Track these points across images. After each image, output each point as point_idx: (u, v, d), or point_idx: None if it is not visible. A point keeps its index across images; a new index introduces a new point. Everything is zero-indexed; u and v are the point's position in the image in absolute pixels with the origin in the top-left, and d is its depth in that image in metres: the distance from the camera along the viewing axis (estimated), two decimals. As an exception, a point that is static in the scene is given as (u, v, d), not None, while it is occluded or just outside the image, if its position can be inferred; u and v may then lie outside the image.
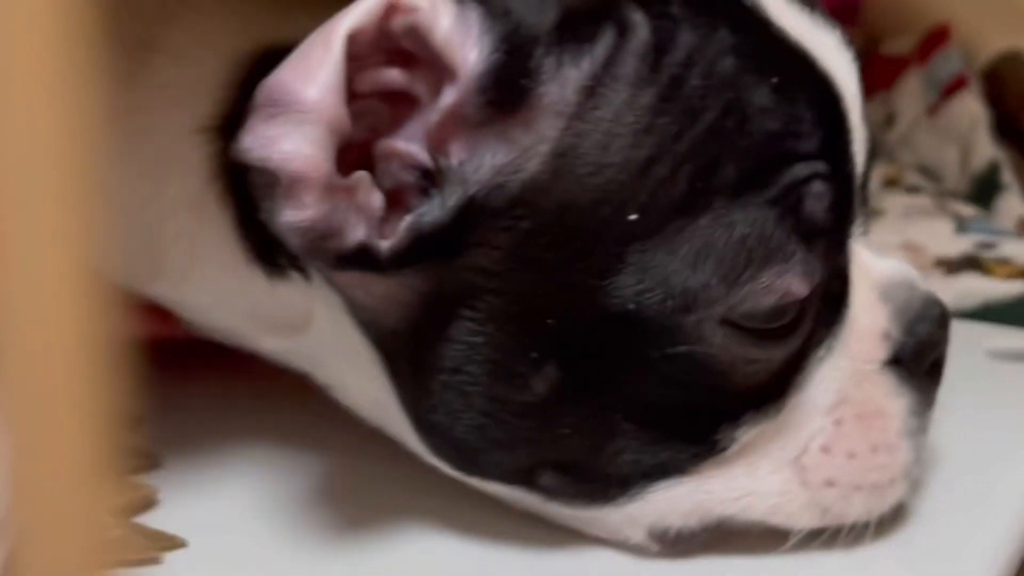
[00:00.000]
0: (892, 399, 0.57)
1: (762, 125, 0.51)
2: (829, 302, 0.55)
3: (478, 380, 0.52)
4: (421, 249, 0.50)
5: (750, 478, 0.55)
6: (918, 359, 0.57)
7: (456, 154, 0.49)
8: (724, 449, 0.54)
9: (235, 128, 0.47)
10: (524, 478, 0.55)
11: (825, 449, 0.56)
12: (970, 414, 0.71)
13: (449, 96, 0.48)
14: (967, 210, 1.17)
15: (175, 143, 0.57)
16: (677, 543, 0.56)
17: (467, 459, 0.55)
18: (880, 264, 0.59)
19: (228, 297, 0.60)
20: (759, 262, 0.50)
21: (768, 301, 0.51)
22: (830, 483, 0.55)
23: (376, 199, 0.49)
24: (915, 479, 0.58)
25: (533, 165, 0.50)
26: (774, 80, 0.51)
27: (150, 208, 0.58)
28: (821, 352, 0.55)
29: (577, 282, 0.50)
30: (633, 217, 0.50)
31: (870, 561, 0.57)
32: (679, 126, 0.50)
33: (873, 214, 1.14)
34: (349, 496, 0.62)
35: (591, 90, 0.50)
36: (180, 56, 0.58)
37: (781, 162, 0.51)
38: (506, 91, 0.49)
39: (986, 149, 1.23)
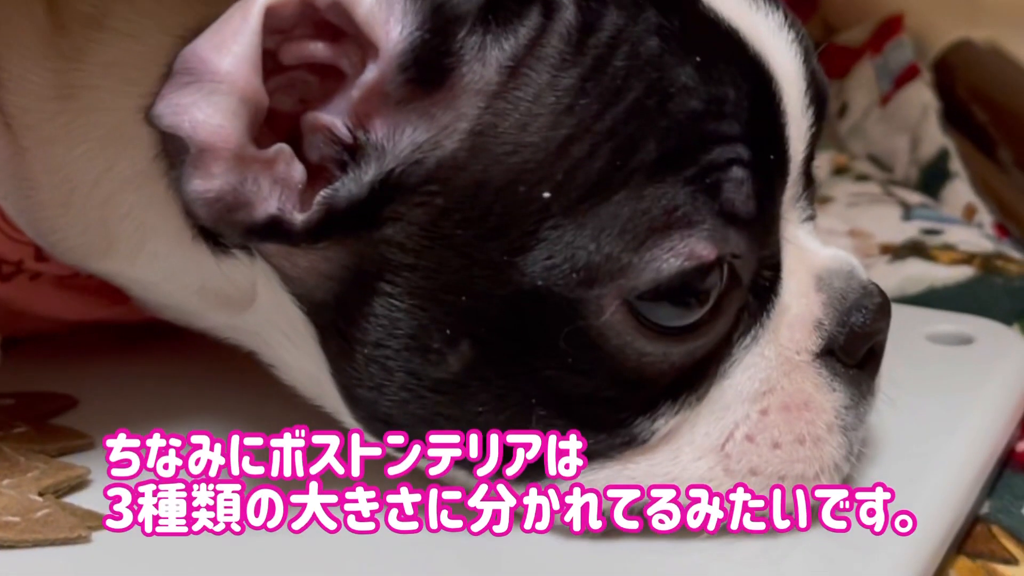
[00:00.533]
0: (823, 392, 0.56)
1: (683, 105, 0.50)
2: (757, 290, 0.55)
3: (398, 355, 0.52)
4: (336, 223, 0.50)
5: (673, 464, 0.55)
6: (851, 350, 0.57)
7: (377, 130, 0.49)
8: (644, 441, 0.54)
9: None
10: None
11: (749, 438, 0.55)
12: (908, 398, 0.71)
13: (370, 73, 0.48)
14: (914, 197, 1.18)
15: (124, 120, 0.56)
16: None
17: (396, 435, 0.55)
18: (821, 252, 0.58)
19: (177, 273, 0.60)
20: (662, 229, 0.50)
21: (671, 266, 0.50)
22: (754, 471, 0.55)
23: (297, 171, 0.49)
24: (846, 474, 0.57)
25: (451, 143, 0.50)
26: (697, 60, 0.50)
27: (101, 185, 0.58)
28: (747, 340, 0.55)
29: (490, 259, 0.50)
30: (547, 195, 0.49)
31: (800, 539, 0.57)
32: (600, 106, 0.50)
33: (821, 201, 1.14)
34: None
35: (513, 70, 0.50)
36: (127, 33, 0.57)
37: (701, 143, 0.50)
38: (427, 69, 0.49)
39: (936, 137, 1.24)
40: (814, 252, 0.58)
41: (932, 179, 1.22)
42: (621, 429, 0.53)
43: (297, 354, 0.58)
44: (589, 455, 0.54)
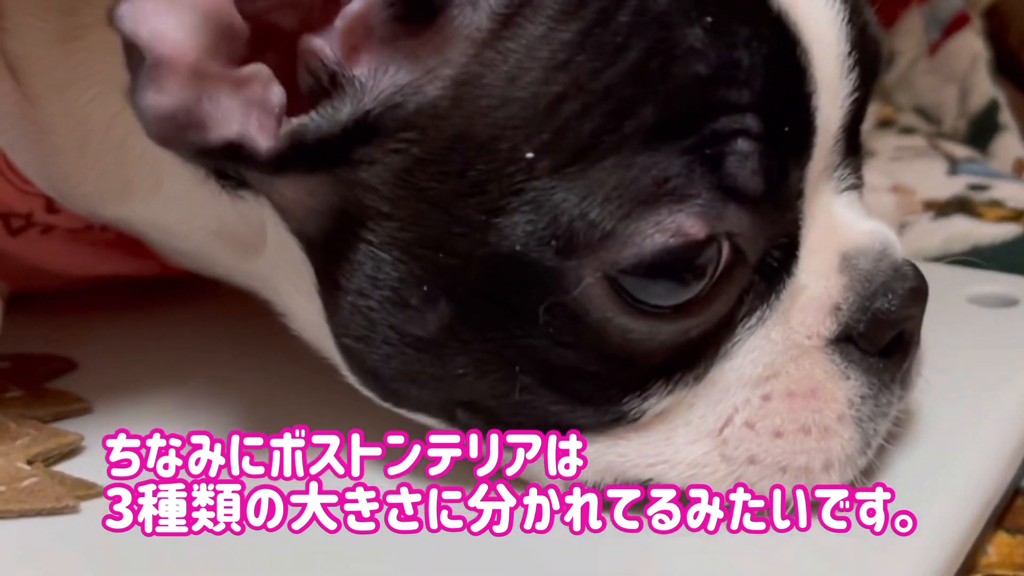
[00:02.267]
0: (834, 379, 0.52)
1: (688, 69, 0.47)
2: (766, 270, 0.51)
3: (380, 307, 0.50)
4: (304, 157, 0.48)
5: (667, 444, 0.52)
6: (872, 337, 0.53)
7: (361, 65, 0.47)
8: (635, 419, 0.51)
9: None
10: (442, 413, 0.53)
11: (749, 424, 0.52)
12: (948, 362, 0.68)
13: (356, 3, 0.46)
14: (961, 151, 1.14)
15: None
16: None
17: (385, 389, 0.53)
18: (856, 227, 0.54)
19: (192, 214, 0.58)
20: (650, 202, 0.46)
21: (655, 242, 0.47)
22: (752, 460, 0.52)
23: (276, 95, 0.47)
24: (861, 468, 0.53)
25: (433, 89, 0.47)
26: (708, 20, 0.47)
27: (115, 127, 0.57)
28: (752, 321, 0.52)
29: (468, 217, 0.48)
30: (531, 155, 0.47)
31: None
32: (597, 64, 0.46)
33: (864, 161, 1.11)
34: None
35: (507, 19, 0.47)
36: None
37: (704, 111, 0.47)
38: (414, 7, 0.46)
39: (985, 88, 1.20)
40: (847, 227, 0.54)
41: (981, 132, 1.18)
42: (610, 405, 0.51)
43: (302, 301, 0.56)
44: (579, 428, 0.51)
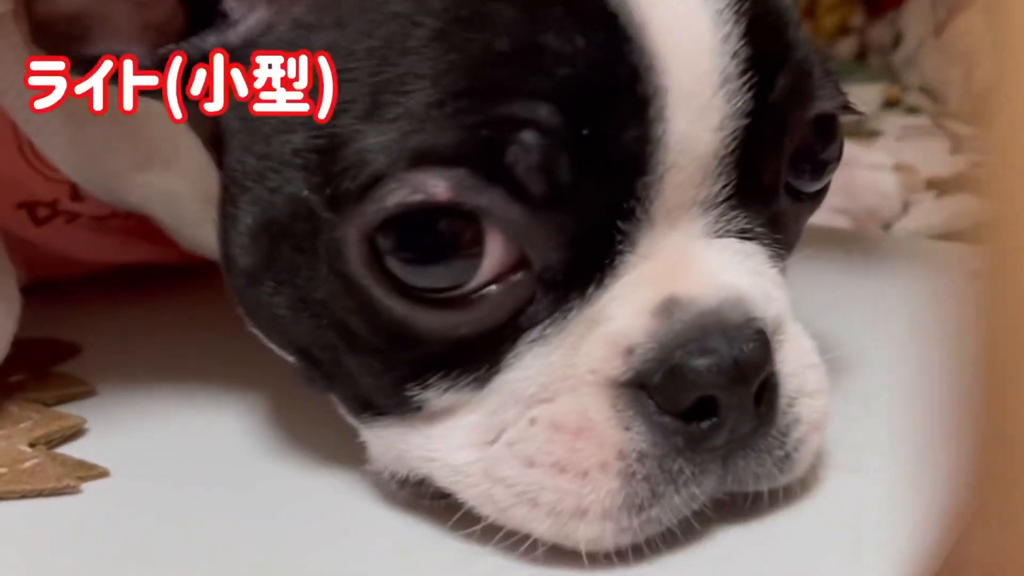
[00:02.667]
0: (611, 425, 0.47)
1: (489, 43, 0.45)
2: (557, 284, 0.47)
3: (231, 243, 0.51)
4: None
5: (443, 444, 0.49)
6: (667, 393, 0.47)
7: (242, 4, 0.49)
8: (419, 408, 0.49)
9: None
10: (294, 355, 0.53)
11: (510, 444, 0.48)
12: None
13: None
14: (966, 129, 1.13)
15: None
16: (413, 492, 0.51)
17: (253, 324, 0.53)
18: (706, 277, 0.48)
19: (200, 182, 0.58)
20: (413, 166, 0.45)
21: (395, 196, 0.45)
22: (506, 483, 0.48)
23: (178, 21, 0.50)
24: (637, 527, 0.47)
25: (282, 27, 0.49)
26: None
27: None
28: (533, 335, 0.48)
29: (279, 155, 0.48)
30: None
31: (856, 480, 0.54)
32: (407, 27, 0.46)
33: (868, 135, 1.10)
34: (273, 432, 0.59)
35: None
36: None
37: (497, 91, 0.44)
38: None
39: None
40: (694, 273, 0.48)
41: (987, 111, 1.17)
42: (395, 387, 0.49)
43: None
44: (381, 409, 0.50)
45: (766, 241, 0.51)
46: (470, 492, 0.49)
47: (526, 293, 0.47)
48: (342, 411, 0.53)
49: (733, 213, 0.49)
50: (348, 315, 0.48)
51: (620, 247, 0.47)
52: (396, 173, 0.45)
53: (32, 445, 0.56)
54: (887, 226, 0.94)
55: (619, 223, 0.47)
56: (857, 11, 1.53)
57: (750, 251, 0.50)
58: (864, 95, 0.96)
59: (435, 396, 0.49)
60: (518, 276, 0.47)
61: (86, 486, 0.54)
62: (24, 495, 0.53)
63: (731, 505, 0.51)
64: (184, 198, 0.62)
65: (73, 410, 0.60)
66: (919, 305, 0.72)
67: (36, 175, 0.63)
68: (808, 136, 0.51)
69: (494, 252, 0.46)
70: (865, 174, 0.93)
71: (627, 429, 0.47)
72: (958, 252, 0.82)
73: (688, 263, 0.48)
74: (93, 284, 0.74)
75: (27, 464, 0.54)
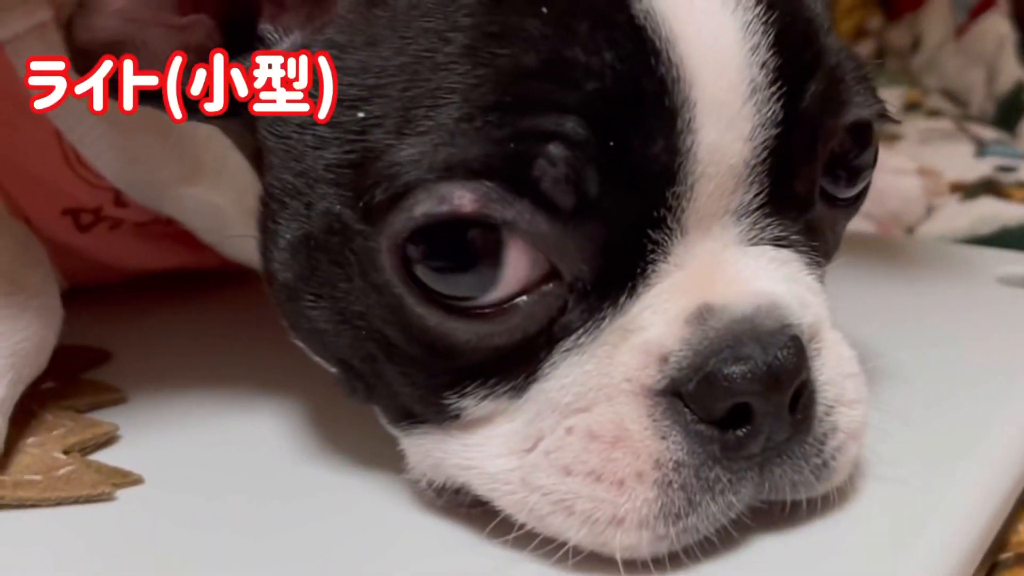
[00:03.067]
0: (647, 434, 0.47)
1: (517, 57, 0.45)
2: (589, 294, 0.47)
3: (271, 255, 0.52)
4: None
5: (480, 452, 0.49)
6: (702, 401, 0.47)
7: (277, 24, 0.51)
8: (456, 416, 0.49)
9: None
10: (336, 366, 0.53)
11: (547, 453, 0.48)
12: (978, 341, 0.68)
13: None
14: (988, 133, 1.13)
15: None
16: (450, 499, 0.51)
17: (298, 337, 0.54)
18: (740, 284, 0.48)
19: (248, 196, 0.58)
20: (442, 178, 0.45)
21: (423, 207, 0.45)
22: (543, 492, 0.48)
23: (212, 44, 0.50)
24: (674, 536, 0.47)
25: (315, 48, 0.49)
26: (544, 10, 0.45)
27: None
28: (568, 344, 0.48)
29: (314, 170, 0.49)
30: (363, 116, 0.47)
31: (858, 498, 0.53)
32: (436, 42, 0.46)
33: (890, 139, 1.10)
34: (307, 439, 0.59)
35: None
36: None
37: (526, 105, 0.45)
38: None
39: (1012, 70, 1.20)
40: (729, 280, 0.48)
41: (1008, 114, 1.17)
42: (433, 396, 0.49)
43: None
44: (418, 417, 0.51)
45: (802, 248, 0.51)
46: (507, 500, 0.49)
47: (558, 303, 0.48)
48: (382, 420, 0.53)
49: (767, 221, 0.49)
50: (385, 326, 0.49)
51: (652, 256, 0.48)
52: (425, 184, 0.45)
53: (66, 452, 0.56)
54: (911, 230, 0.94)
55: (650, 232, 0.47)
56: (875, 14, 1.54)
57: (785, 258, 0.50)
58: (885, 98, 0.96)
59: (473, 404, 0.49)
60: (549, 287, 0.47)
61: (120, 493, 0.54)
62: (60, 502, 0.53)
63: (769, 514, 0.50)
64: (229, 213, 0.63)
65: (104, 417, 0.60)
66: (948, 311, 0.73)
67: (80, 182, 0.63)
68: (844, 142, 0.51)
69: (518, 263, 0.46)
70: (889, 178, 0.93)
71: (663, 438, 0.47)
72: (984, 255, 0.82)
73: (721, 271, 0.49)
74: (121, 290, 0.74)
75: (62, 471, 0.55)
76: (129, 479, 0.55)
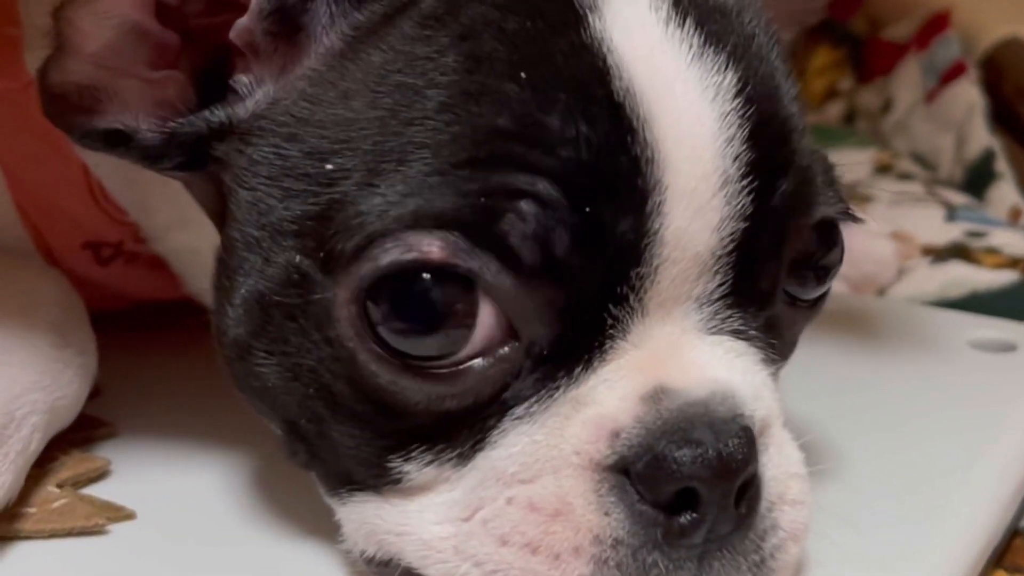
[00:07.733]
0: (589, 509, 0.46)
1: (492, 117, 0.45)
2: (545, 360, 0.47)
3: (221, 309, 0.52)
4: (176, 152, 0.51)
5: (417, 519, 0.49)
6: (648, 482, 0.46)
7: (247, 76, 0.51)
8: (397, 480, 0.49)
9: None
10: (281, 427, 0.52)
11: (485, 522, 0.47)
12: (949, 406, 0.70)
13: (244, 17, 0.50)
14: (958, 198, 1.16)
15: None
16: (382, 571, 0.51)
17: (243, 393, 0.53)
18: (697, 370, 0.48)
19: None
20: (410, 227, 0.45)
21: (389, 255, 0.45)
22: (477, 563, 0.47)
23: (189, 99, 0.51)
24: None
25: (288, 100, 0.50)
26: (523, 76, 0.46)
27: None
28: (519, 412, 0.47)
29: (275, 221, 0.49)
30: (331, 168, 0.47)
31: (837, 550, 0.54)
32: (413, 97, 0.47)
33: (861, 200, 1.12)
34: (300, 472, 0.60)
35: (354, 41, 0.49)
36: None
37: (498, 162, 0.45)
38: (283, 21, 0.50)
39: (982, 137, 1.22)
40: (685, 365, 0.48)
41: (977, 179, 1.20)
42: (377, 458, 0.49)
43: None
44: (360, 487, 0.50)
45: (760, 344, 0.51)
46: (439, 569, 0.48)
47: (514, 368, 0.47)
48: (320, 490, 0.53)
49: (728, 312, 0.49)
50: (336, 381, 0.48)
51: (611, 332, 0.47)
52: (393, 233, 0.45)
53: (59, 486, 0.57)
54: (882, 292, 0.95)
55: (611, 308, 0.47)
56: (846, 75, 1.56)
57: (743, 351, 0.50)
58: (855, 160, 0.98)
59: (416, 469, 0.49)
60: (505, 350, 0.47)
61: (113, 527, 0.55)
62: (53, 534, 0.54)
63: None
64: (207, 255, 0.63)
65: (95, 451, 0.61)
66: (921, 376, 0.74)
67: (104, 216, 0.64)
68: (809, 242, 0.52)
69: (485, 323, 0.46)
70: (864, 241, 0.95)
71: (606, 514, 0.46)
72: (956, 319, 0.84)
73: (679, 355, 0.48)
74: (111, 324, 0.74)
75: (56, 504, 0.55)
76: (121, 513, 0.56)
